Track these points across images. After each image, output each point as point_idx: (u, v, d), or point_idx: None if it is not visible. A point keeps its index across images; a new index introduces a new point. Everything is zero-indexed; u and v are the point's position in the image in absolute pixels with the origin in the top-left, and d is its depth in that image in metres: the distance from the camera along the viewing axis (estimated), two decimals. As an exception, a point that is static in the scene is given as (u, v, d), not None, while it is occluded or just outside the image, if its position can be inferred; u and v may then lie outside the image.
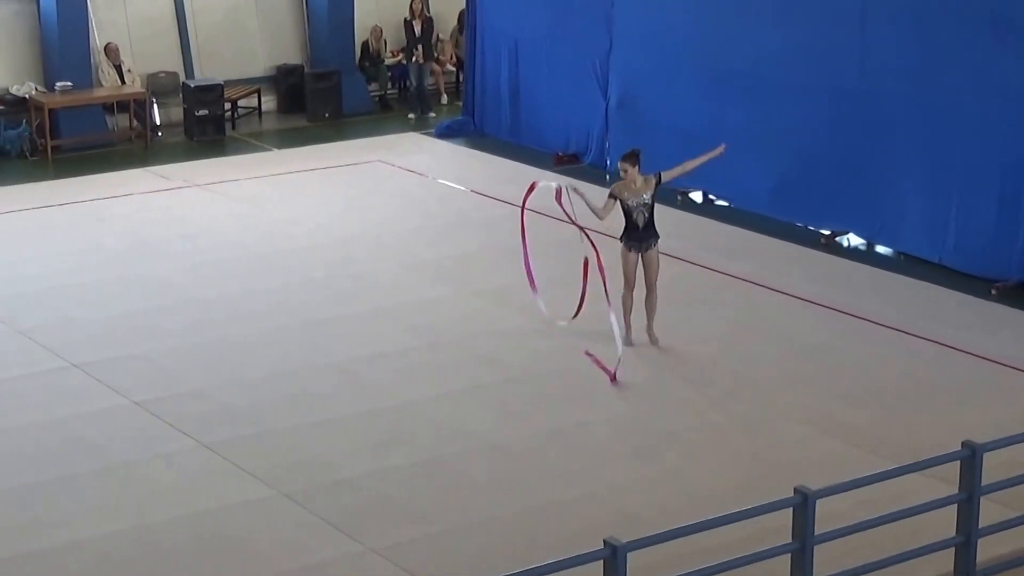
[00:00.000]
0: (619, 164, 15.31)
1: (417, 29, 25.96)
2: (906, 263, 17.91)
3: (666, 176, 15.30)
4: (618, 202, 15.12)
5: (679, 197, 20.37)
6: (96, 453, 12.99)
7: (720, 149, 15.69)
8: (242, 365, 14.93)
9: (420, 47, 25.90)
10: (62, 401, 14.08)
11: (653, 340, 15.42)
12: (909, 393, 14.23)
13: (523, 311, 16.19)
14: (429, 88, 26.48)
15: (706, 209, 20.23)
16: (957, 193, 17.53)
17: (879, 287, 17.12)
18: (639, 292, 15.36)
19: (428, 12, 26.64)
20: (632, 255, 15.23)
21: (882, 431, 13.31)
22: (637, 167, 15.03)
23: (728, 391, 14.23)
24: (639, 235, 15.14)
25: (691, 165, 15.61)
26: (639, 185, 15.09)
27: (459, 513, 11.93)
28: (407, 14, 26.09)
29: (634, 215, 15.09)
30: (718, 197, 20.48)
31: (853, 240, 18.82)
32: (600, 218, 15.19)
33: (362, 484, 12.38)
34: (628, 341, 15.25)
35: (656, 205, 15.23)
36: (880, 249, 18.49)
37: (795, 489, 9.78)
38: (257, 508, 12.01)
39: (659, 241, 15.28)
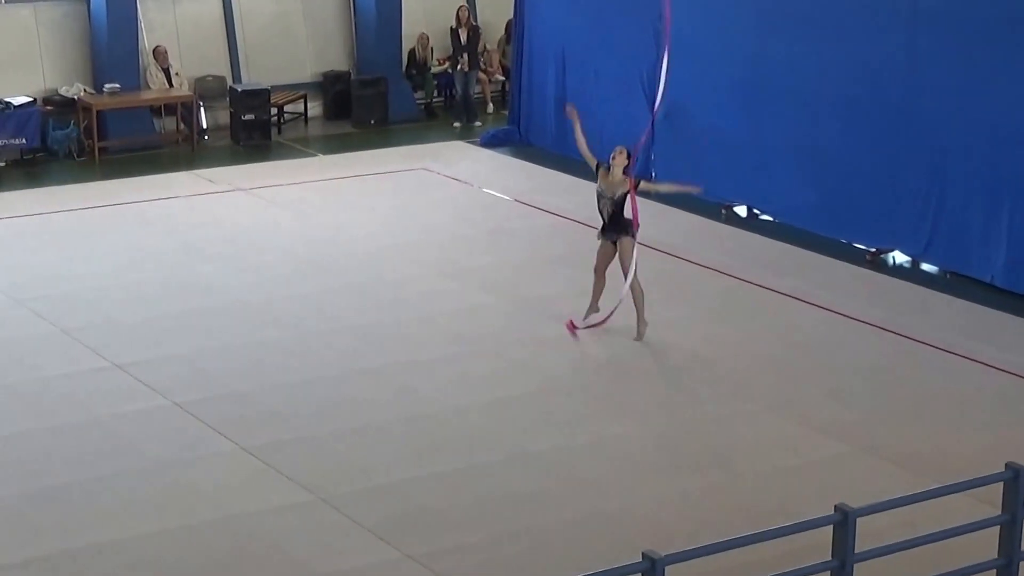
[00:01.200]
0: (617, 150, 15.80)
1: (463, 37, 25.96)
2: (953, 282, 17.78)
3: (643, 186, 16.08)
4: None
5: (723, 211, 20.32)
6: (137, 454, 13.04)
7: (696, 188, 16.80)
8: (283, 369, 14.95)
9: (465, 55, 25.90)
10: (104, 401, 14.13)
11: (641, 333, 15.73)
12: (952, 413, 14.14)
13: (563, 320, 16.16)
14: (476, 97, 26.46)
15: (750, 223, 20.15)
16: (1008, 211, 17.38)
17: (924, 306, 17.00)
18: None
19: (474, 21, 26.64)
20: (606, 244, 15.83)
21: (924, 450, 13.23)
22: (624, 163, 15.67)
23: (769, 407, 14.17)
24: (607, 227, 15.75)
25: (666, 188, 16.62)
26: (615, 179, 15.64)
27: (497, 522, 11.92)
28: (453, 22, 26.10)
29: (599, 204, 15.76)
30: (762, 211, 20.40)
31: (899, 257, 18.70)
32: (577, 144, 16.23)
33: (400, 491, 12.38)
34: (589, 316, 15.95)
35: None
36: (926, 267, 18.37)
37: (836, 507, 9.72)
38: (296, 512, 12.02)
39: (631, 233, 15.74)
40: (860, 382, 14.84)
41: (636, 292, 15.72)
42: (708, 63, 20.91)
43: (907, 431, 13.68)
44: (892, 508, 10.19)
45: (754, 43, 20.27)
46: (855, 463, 13.01)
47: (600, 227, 15.88)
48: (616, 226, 15.73)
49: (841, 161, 19.24)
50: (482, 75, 26.76)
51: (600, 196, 15.77)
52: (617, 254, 15.74)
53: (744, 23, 20.43)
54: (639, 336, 15.70)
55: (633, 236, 15.71)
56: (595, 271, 15.99)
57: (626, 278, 15.64)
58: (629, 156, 15.75)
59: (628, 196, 15.62)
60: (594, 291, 16.00)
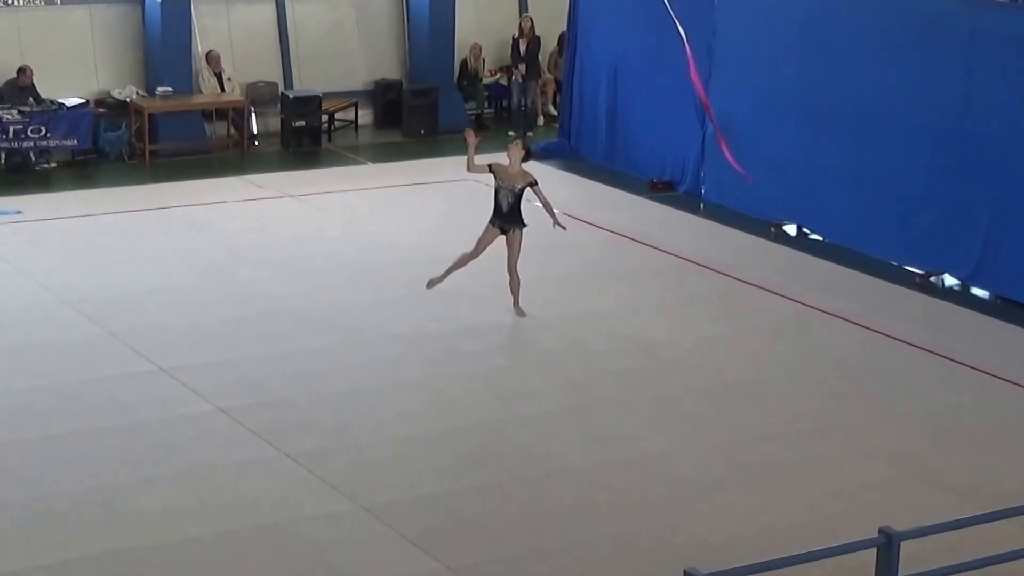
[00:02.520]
0: (511, 145, 16.82)
1: (522, 48, 25.93)
2: (1003, 307, 17.65)
3: (536, 190, 16.46)
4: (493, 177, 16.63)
5: (773, 230, 20.24)
6: (180, 458, 13.05)
7: (562, 227, 16.79)
8: (328, 377, 14.96)
9: (523, 66, 25.84)
10: (149, 405, 14.15)
11: (520, 313, 16.69)
12: (1000, 439, 14.01)
13: (611, 337, 16.16)
14: (530, 108, 26.46)
15: (800, 243, 20.06)
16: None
17: (973, 329, 16.88)
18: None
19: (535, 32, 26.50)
20: (493, 231, 16.57)
21: (971, 476, 13.12)
22: (520, 156, 16.50)
23: (814, 427, 14.09)
24: (504, 216, 16.48)
25: (543, 203, 16.61)
26: (514, 172, 16.44)
27: (537, 536, 11.87)
28: (515, 32, 26.07)
29: (499, 196, 16.49)
30: (812, 231, 20.30)
31: (948, 281, 18.57)
32: (467, 168, 16.92)
33: (443, 502, 12.36)
34: (433, 282, 16.92)
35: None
36: (976, 291, 18.24)
37: (880, 529, 9.64)
38: (338, 521, 12.01)
39: (524, 229, 16.56)
40: (907, 406, 14.74)
41: (515, 279, 16.61)
42: (761, 81, 20.85)
43: (954, 456, 13.58)
44: (937, 533, 10.10)
45: (808, 62, 20.17)
46: (901, 487, 12.92)
47: (493, 215, 16.56)
48: (514, 219, 16.48)
49: (893, 182, 19.13)
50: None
51: (499, 189, 16.48)
52: (506, 242, 16.54)
53: (799, 42, 20.33)
54: (519, 312, 16.69)
55: (522, 228, 16.56)
56: (474, 252, 16.71)
57: (510, 266, 16.57)
58: (524, 149, 16.72)
59: (526, 190, 16.40)
60: (457, 263, 16.81)
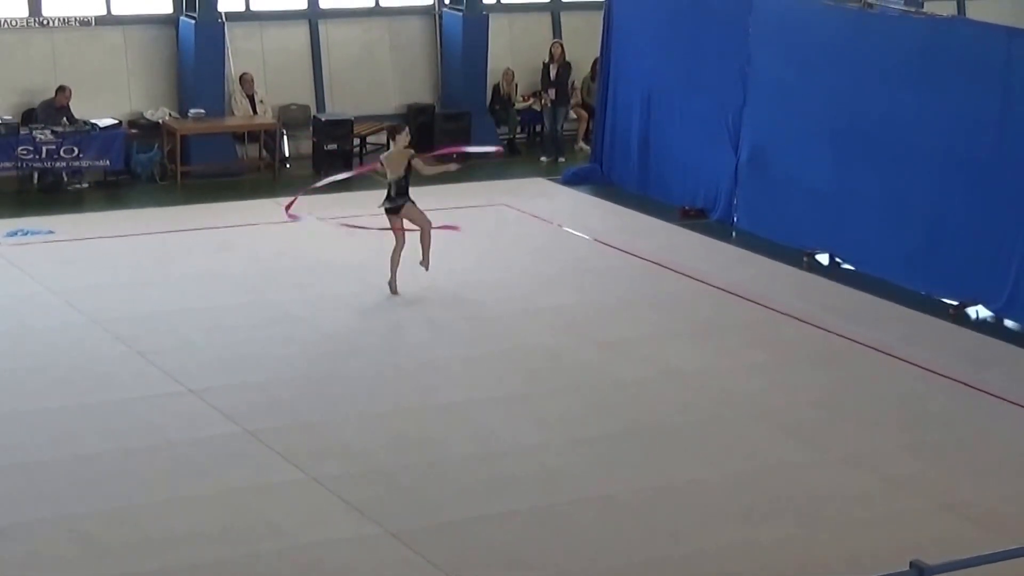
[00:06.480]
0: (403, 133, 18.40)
1: (552, 73, 25.90)
2: (1036, 339, 17.56)
3: (415, 161, 18.01)
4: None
5: (805, 259, 20.15)
6: (207, 479, 13.04)
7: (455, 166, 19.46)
8: (357, 401, 14.93)
9: (553, 91, 25.79)
10: (176, 425, 14.15)
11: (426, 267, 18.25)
12: (1033, 473, 13.94)
13: (642, 362, 16.11)
14: (566, 133, 26.40)
15: (832, 272, 19.96)
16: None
17: (1007, 362, 16.74)
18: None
19: (566, 57, 26.45)
20: (392, 217, 18.00)
21: (1004, 509, 13.01)
22: (405, 141, 18.23)
23: (845, 458, 14.00)
24: (392, 199, 18.00)
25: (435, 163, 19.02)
26: (396, 156, 18.02)
27: (563, 563, 11.83)
28: (546, 58, 26.04)
29: (389, 184, 18.03)
30: (844, 261, 20.21)
31: (982, 312, 18.44)
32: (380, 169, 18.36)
33: (470, 528, 12.31)
34: (394, 290, 18.00)
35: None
36: (1009, 324, 18.11)
37: (911, 563, 9.55)
38: (363, 545, 11.98)
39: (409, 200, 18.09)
40: (940, 437, 14.64)
41: (427, 241, 18.10)
42: (796, 109, 20.78)
43: (987, 489, 13.46)
44: (969, 567, 9.96)
45: (842, 91, 20.09)
46: (932, 519, 12.83)
47: (384, 200, 18.04)
48: (400, 195, 18.00)
49: (926, 212, 19.01)
50: (581, 112, 26.74)
51: (388, 176, 18.00)
52: (409, 220, 17.98)
53: (833, 70, 20.24)
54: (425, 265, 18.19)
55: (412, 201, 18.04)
56: (396, 243, 18.06)
57: (423, 235, 18.09)
58: (406, 132, 18.43)
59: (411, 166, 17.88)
60: (394, 261, 18.05)
